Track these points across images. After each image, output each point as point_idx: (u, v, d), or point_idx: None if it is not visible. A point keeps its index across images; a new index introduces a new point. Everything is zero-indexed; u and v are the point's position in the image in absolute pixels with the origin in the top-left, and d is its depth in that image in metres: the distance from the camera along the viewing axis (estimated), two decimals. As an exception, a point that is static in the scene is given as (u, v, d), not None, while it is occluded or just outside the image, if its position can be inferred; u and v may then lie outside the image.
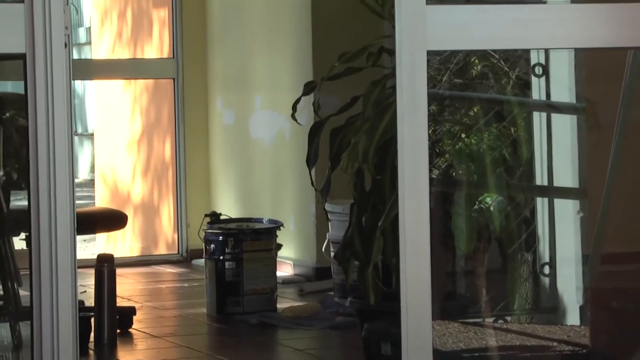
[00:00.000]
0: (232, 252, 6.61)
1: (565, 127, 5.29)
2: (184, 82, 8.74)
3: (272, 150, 8.19)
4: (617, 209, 4.99)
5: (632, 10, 4.27)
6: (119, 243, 8.62)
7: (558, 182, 5.29)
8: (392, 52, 4.11)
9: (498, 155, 5.02)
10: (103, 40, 9.36)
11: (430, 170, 3.95)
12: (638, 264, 4.93)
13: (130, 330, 6.25)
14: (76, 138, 14.53)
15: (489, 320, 5.03)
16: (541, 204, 5.24)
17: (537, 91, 5.24)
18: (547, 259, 5.19)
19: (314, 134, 5.13)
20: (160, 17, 8.90)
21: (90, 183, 9.95)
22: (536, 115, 5.22)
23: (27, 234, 3.71)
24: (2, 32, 3.67)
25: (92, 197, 9.58)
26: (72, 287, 3.67)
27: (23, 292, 4.86)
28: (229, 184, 8.64)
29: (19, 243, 4.91)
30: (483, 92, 5.20)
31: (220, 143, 8.75)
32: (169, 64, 8.79)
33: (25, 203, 3.72)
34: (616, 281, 5.08)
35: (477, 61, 5.15)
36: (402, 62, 3.87)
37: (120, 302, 6.26)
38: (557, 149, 5.23)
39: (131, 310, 6.40)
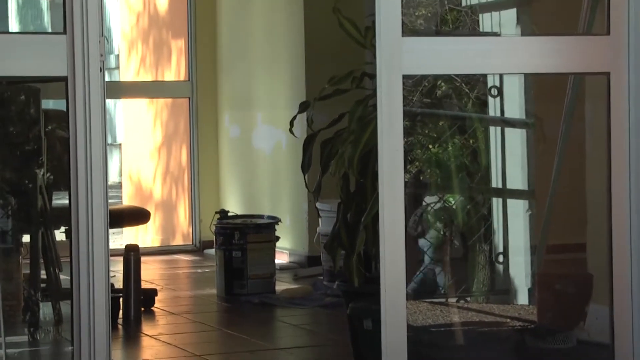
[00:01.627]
0: (238, 243, 6.58)
1: (516, 139, 5.27)
2: (197, 101, 8.71)
3: (271, 158, 8.16)
4: (560, 207, 4.97)
5: (571, 42, 4.29)
6: (143, 235, 8.60)
7: (510, 185, 5.26)
8: (372, 76, 4.13)
9: (460, 162, 4.99)
10: (130, 65, 9.33)
11: (404, 175, 3.95)
12: (577, 253, 4.89)
13: (152, 308, 6.24)
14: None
15: (453, 300, 5.00)
16: (496, 203, 5.21)
17: (493, 109, 5.21)
18: (501, 249, 5.17)
19: (307, 145, 5.11)
20: (178, 46, 8.88)
21: (119, 185, 9.90)
22: (492, 129, 5.19)
23: (67, 227, 3.73)
24: (47, 58, 3.67)
25: (120, 197, 9.53)
26: (105, 272, 3.68)
27: (63, 277, 4.85)
28: (235, 186, 8.62)
29: (59, 235, 4.91)
30: (448, 109, 5.18)
31: (228, 152, 8.73)
32: (185, 85, 8.77)
33: (66, 202, 3.72)
34: (559, 268, 5.03)
35: (442, 84, 5.14)
36: (382, 85, 3.88)
37: (144, 285, 6.24)
38: (510, 157, 5.21)
39: (153, 292, 6.40)
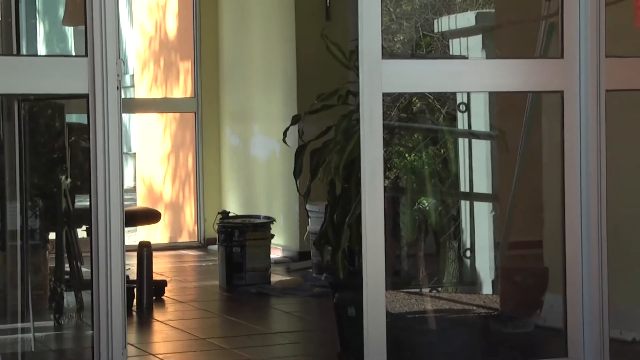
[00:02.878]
0: (237, 240, 6.54)
1: (482, 149, 5.26)
2: (202, 115, 8.66)
3: (267, 165, 8.11)
4: (520, 209, 4.96)
5: (529, 64, 4.30)
6: (154, 233, 8.57)
7: (477, 189, 5.25)
8: (355, 94, 4.12)
9: (433, 169, 4.98)
10: (142, 84, 9.30)
11: (384, 180, 3.95)
12: (534, 249, 4.88)
13: (162, 297, 6.21)
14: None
15: (426, 290, 5.00)
16: (464, 205, 5.21)
17: (462, 123, 5.20)
18: (468, 246, 5.16)
19: (298, 154, 5.09)
20: (185, 67, 8.86)
21: (133, 189, 9.87)
22: (461, 140, 5.19)
23: (88, 226, 3.70)
24: (70, 78, 3.66)
25: (134, 199, 9.50)
26: (121, 266, 3.67)
27: (84, 269, 4.84)
28: (235, 190, 8.57)
29: (81, 233, 4.88)
30: (422, 123, 5.18)
31: (229, 160, 8.68)
32: (191, 101, 8.72)
33: (87, 204, 3.70)
34: (519, 262, 5.03)
35: (417, 100, 5.14)
36: (364, 101, 3.88)
37: (155, 277, 6.20)
38: (476, 165, 5.20)
39: (163, 283, 6.36)
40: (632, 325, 4.60)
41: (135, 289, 5.90)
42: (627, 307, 4.50)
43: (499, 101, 5.05)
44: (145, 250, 5.99)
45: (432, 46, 5.74)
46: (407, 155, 5.04)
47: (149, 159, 9.22)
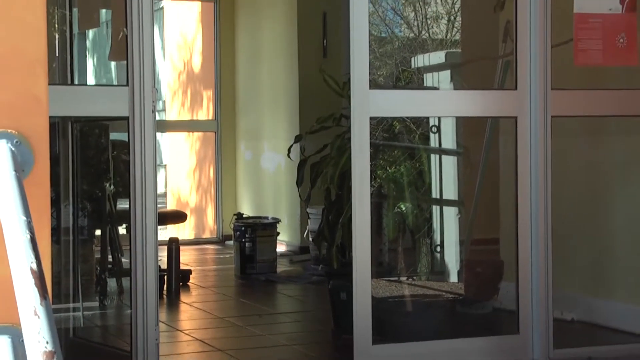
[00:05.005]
0: (250, 237, 6.54)
1: (450, 163, 5.25)
2: (221, 134, 8.66)
3: (274, 175, 8.13)
4: (480, 213, 4.97)
5: (489, 94, 4.31)
6: (182, 230, 8.58)
7: (446, 196, 5.23)
8: (347, 117, 4.12)
9: (410, 180, 4.97)
10: (173, 108, 9.31)
11: (370, 188, 3.95)
12: (492, 245, 4.87)
13: (188, 283, 6.21)
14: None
15: (404, 278, 4.98)
16: (435, 209, 5.21)
17: (434, 141, 5.20)
18: (438, 242, 5.13)
19: (300, 166, 5.08)
20: (207, 95, 8.86)
21: (164, 194, 9.88)
22: (433, 156, 5.19)
23: (127, 224, 3.71)
24: (114, 103, 3.66)
25: (165, 203, 9.51)
26: (154, 257, 3.68)
27: (124, 260, 4.80)
28: (248, 196, 8.58)
29: (122, 230, 4.87)
30: (401, 142, 5.18)
31: (243, 171, 8.69)
32: (212, 123, 8.72)
33: (127, 206, 3.70)
34: (480, 256, 5.03)
35: (397, 123, 5.14)
36: (354, 124, 3.89)
37: (182, 267, 6.22)
38: (445, 176, 5.19)
39: (188, 272, 6.36)
40: (571, 307, 4.60)
41: (165, 277, 5.90)
42: (567, 292, 4.50)
43: (464, 124, 5.03)
44: (174, 245, 6.00)
45: (409, 79, 5.74)
46: (388, 168, 5.02)
47: (178, 170, 9.23)
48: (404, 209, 4.91)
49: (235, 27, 8.73)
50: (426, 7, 6.33)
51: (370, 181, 3.92)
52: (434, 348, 4.04)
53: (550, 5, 4.06)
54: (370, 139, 3.90)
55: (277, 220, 6.87)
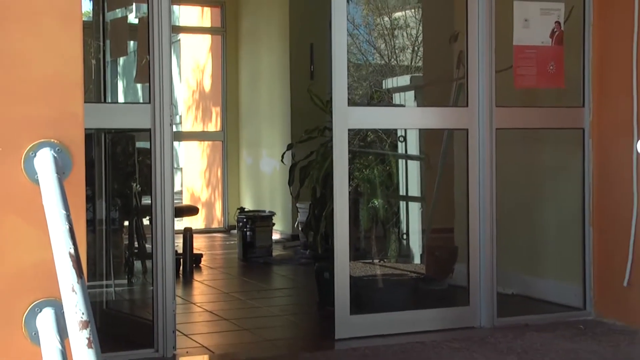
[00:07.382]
0: (250, 227, 6.53)
1: (414, 166, 5.25)
2: (227, 143, 8.67)
3: (271, 177, 8.10)
4: (439, 206, 4.96)
5: (446, 110, 4.31)
6: (195, 221, 8.57)
7: (411, 193, 5.23)
8: (330, 129, 4.09)
9: (381, 180, 4.97)
10: (187, 121, 9.32)
11: (348, 187, 3.94)
12: (448, 234, 4.87)
13: (200, 265, 6.20)
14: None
15: (376, 261, 4.97)
16: (402, 204, 5.22)
17: (401, 149, 5.21)
18: (405, 231, 5.16)
19: (292, 169, 5.09)
20: (216, 110, 8.86)
21: (180, 192, 9.87)
22: (400, 160, 5.21)
23: (150, 217, 3.69)
24: (138, 118, 3.64)
25: (181, 199, 9.50)
26: (172, 243, 3.66)
27: (148, 246, 4.78)
28: (249, 193, 8.55)
29: (146, 221, 4.85)
30: (374, 149, 5.19)
31: (245, 173, 8.66)
32: (220, 134, 8.70)
33: (149, 202, 3.68)
34: (437, 242, 5.05)
35: (370, 134, 5.15)
36: (336, 134, 3.88)
37: (195, 251, 6.21)
38: (410, 177, 5.19)
39: (200, 256, 6.36)
40: (511, 284, 4.61)
41: (181, 259, 5.89)
42: (508, 271, 4.52)
43: (425, 135, 5.04)
44: (188, 233, 5.98)
45: (381, 98, 5.75)
46: (364, 170, 5.02)
47: (191, 172, 9.21)
48: (376, 204, 4.91)
49: (239, 55, 8.72)
50: (394, 39, 6.36)
51: (349, 181, 3.92)
52: (401, 317, 4.04)
53: (494, 38, 4.08)
54: (349, 146, 3.90)
55: (272, 213, 6.85)
